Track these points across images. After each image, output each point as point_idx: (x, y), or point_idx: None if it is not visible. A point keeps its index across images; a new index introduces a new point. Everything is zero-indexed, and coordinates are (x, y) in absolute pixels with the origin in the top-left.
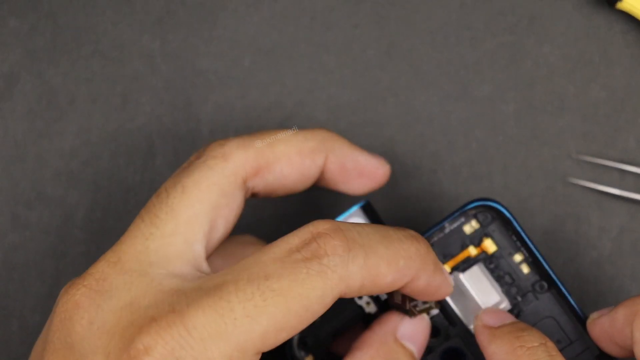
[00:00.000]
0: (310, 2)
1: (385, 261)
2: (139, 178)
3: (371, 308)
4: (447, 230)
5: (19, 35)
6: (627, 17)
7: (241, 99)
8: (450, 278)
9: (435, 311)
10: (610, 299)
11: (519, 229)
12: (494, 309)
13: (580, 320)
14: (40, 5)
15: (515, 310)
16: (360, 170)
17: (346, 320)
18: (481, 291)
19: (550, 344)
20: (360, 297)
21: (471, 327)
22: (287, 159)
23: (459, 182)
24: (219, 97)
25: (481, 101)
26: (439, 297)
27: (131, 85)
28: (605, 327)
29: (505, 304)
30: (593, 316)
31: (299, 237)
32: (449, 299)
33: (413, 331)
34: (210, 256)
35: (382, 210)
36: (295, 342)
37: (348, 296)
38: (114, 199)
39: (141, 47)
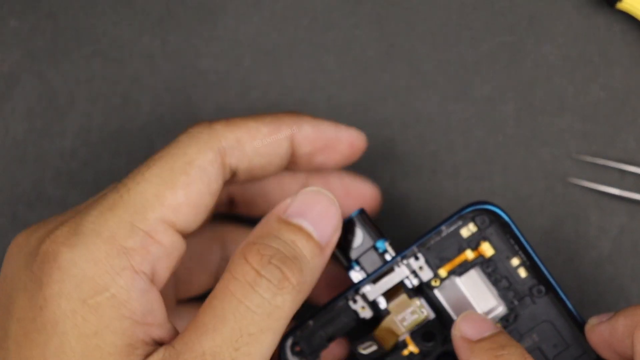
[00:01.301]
0: (310, 2)
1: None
2: None
3: (366, 313)
4: (444, 234)
5: (19, 36)
6: (627, 17)
7: (241, 99)
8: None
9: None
10: (610, 299)
11: (517, 232)
12: (472, 315)
13: (578, 324)
14: (40, 5)
15: (512, 315)
16: (330, 142)
17: (340, 326)
18: (477, 295)
19: None
20: (355, 302)
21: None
22: (258, 133)
23: (459, 182)
24: (219, 97)
25: (481, 101)
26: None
27: (131, 85)
28: (604, 335)
29: (502, 308)
30: (592, 322)
31: None
32: (444, 303)
33: (301, 207)
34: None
35: (382, 210)
36: (288, 347)
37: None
38: None
39: (141, 47)
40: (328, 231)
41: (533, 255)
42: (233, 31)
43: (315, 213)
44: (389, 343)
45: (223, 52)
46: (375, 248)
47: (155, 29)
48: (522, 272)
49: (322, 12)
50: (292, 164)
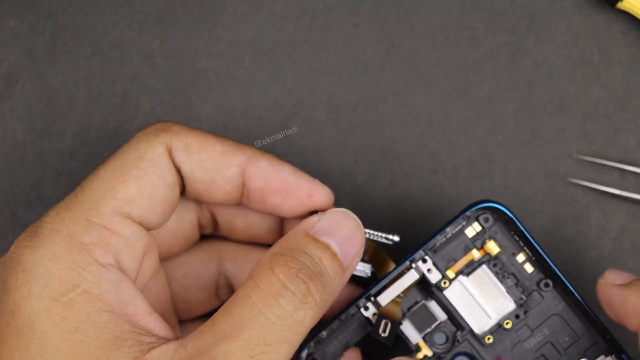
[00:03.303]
0: (310, 2)
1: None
2: None
3: None
4: (449, 235)
5: (18, 35)
6: (628, 16)
7: (241, 99)
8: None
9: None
10: None
11: (521, 227)
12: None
13: (587, 316)
14: (40, 5)
15: (522, 310)
16: (286, 185)
17: (354, 334)
18: (486, 293)
19: None
20: (366, 309)
21: (477, 331)
22: (210, 148)
23: (459, 182)
24: (219, 97)
25: (481, 101)
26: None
27: (131, 85)
28: (613, 299)
29: (511, 305)
30: (608, 278)
31: None
32: (454, 303)
33: (329, 226)
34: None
35: (382, 210)
36: (303, 357)
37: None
38: None
39: (141, 47)
40: (351, 254)
41: (539, 249)
42: (233, 31)
43: (342, 234)
44: (397, 313)
45: (222, 52)
46: None
47: (155, 28)
48: (529, 268)
49: (322, 12)
50: (245, 199)
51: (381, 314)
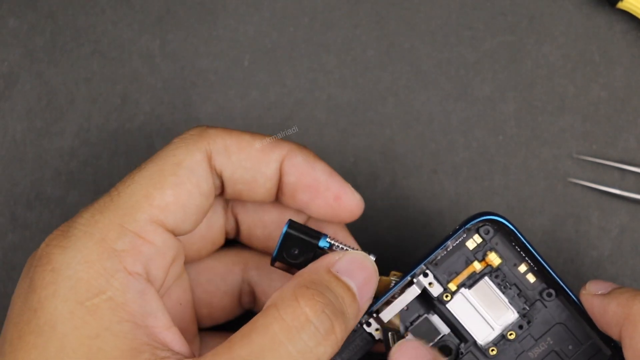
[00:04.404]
0: (310, 2)
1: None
2: None
3: (381, 335)
4: (450, 248)
5: (18, 35)
6: (628, 16)
7: (241, 99)
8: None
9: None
10: None
11: (522, 238)
12: (406, 344)
13: (590, 323)
14: (40, 5)
15: (525, 320)
16: (317, 184)
17: (357, 350)
18: (489, 305)
19: None
20: (369, 325)
21: (481, 342)
22: (249, 146)
23: (459, 182)
24: (219, 97)
25: (481, 101)
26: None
27: (131, 85)
28: (594, 309)
29: (515, 315)
30: (589, 289)
31: None
32: (457, 316)
33: (350, 267)
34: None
35: (382, 210)
36: None
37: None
38: None
39: (141, 47)
40: (367, 297)
41: (540, 259)
42: (233, 31)
43: (361, 277)
44: (397, 324)
45: (222, 52)
46: (320, 248)
47: (155, 28)
48: (531, 278)
49: (322, 12)
50: (279, 193)
51: (385, 328)
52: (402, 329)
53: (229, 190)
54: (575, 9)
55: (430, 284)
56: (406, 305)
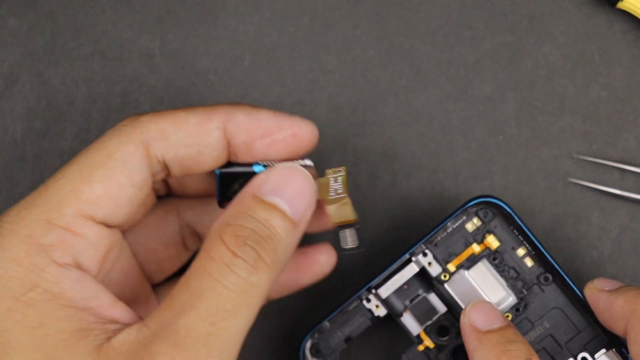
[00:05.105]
0: (310, 2)
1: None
2: None
3: (380, 311)
4: (449, 230)
5: (18, 35)
6: (628, 16)
7: (240, 99)
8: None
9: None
10: None
11: (520, 223)
12: (482, 305)
13: (587, 309)
14: (40, 5)
15: (522, 304)
16: (269, 131)
17: (356, 325)
18: (487, 287)
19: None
20: (368, 301)
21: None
22: (185, 123)
23: (459, 182)
24: (218, 97)
25: (481, 101)
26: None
27: (130, 85)
28: (600, 304)
29: (512, 298)
30: (595, 284)
31: None
32: (455, 297)
33: (276, 184)
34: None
35: (382, 209)
36: (307, 349)
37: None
38: None
39: (140, 46)
40: (302, 208)
41: (538, 244)
42: (233, 31)
43: (290, 190)
44: (347, 214)
45: (222, 52)
46: (257, 174)
47: (155, 28)
48: (529, 262)
49: (322, 12)
50: (232, 155)
51: (338, 226)
52: (400, 307)
53: (176, 169)
54: (575, 9)
55: (429, 263)
56: (406, 284)
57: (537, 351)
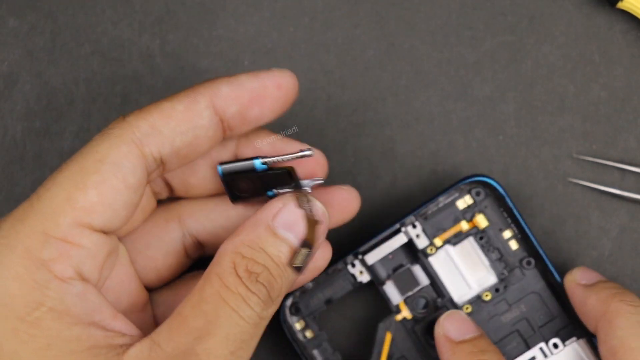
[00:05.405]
0: (310, 2)
1: None
2: None
3: (364, 277)
4: (441, 205)
5: (18, 35)
6: (628, 16)
7: None
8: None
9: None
10: None
11: (511, 204)
12: (456, 315)
13: (565, 297)
14: (40, 5)
15: (502, 285)
16: (255, 92)
17: (338, 289)
18: (470, 265)
19: None
20: (353, 266)
21: (457, 299)
22: (173, 112)
23: None
24: None
25: (481, 101)
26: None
27: (131, 85)
28: (575, 299)
29: (493, 278)
30: (574, 276)
31: None
32: (438, 271)
33: (289, 219)
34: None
35: (382, 209)
36: (287, 307)
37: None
38: None
39: (140, 46)
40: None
41: (525, 228)
42: (232, 31)
43: (303, 228)
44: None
45: (222, 52)
46: (259, 171)
47: (155, 28)
48: (514, 245)
49: (322, 12)
50: (228, 130)
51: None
52: (384, 275)
53: (173, 162)
54: (575, 9)
55: (417, 235)
56: (392, 254)
57: (511, 333)
